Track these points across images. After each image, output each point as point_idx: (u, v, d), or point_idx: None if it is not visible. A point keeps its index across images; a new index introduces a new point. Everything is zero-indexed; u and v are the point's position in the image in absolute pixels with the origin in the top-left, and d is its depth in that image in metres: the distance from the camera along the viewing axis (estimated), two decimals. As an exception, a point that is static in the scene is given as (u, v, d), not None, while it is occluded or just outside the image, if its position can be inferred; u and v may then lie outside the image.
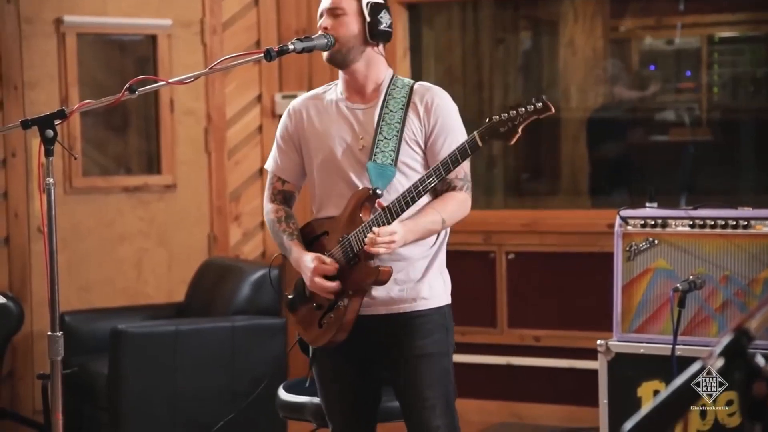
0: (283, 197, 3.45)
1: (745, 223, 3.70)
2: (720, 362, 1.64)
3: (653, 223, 3.83)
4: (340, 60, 3.26)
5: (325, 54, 3.26)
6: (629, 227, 3.87)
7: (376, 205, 3.17)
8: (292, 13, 6.02)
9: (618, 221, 3.88)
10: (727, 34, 6.65)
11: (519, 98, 6.59)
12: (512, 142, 3.06)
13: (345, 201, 3.25)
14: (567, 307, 5.53)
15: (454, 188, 3.25)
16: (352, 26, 3.23)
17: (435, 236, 3.29)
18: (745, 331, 1.64)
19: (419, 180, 3.12)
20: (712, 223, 3.74)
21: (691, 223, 3.77)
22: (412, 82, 3.33)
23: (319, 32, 3.25)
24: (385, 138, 3.22)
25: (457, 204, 3.25)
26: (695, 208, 3.82)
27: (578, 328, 5.41)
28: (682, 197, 5.85)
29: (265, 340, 5.20)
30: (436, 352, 3.27)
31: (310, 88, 6.01)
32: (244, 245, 6.05)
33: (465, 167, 3.24)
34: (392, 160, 3.20)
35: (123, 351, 4.91)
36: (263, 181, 6.05)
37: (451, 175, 3.19)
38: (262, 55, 3.10)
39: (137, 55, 6.11)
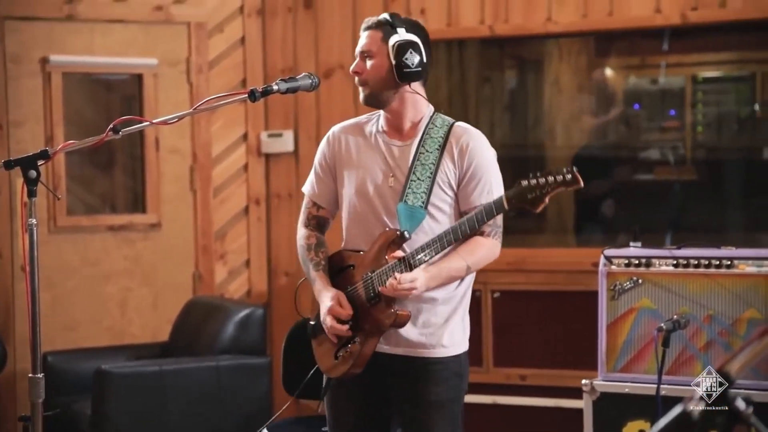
0: (317, 223, 3.45)
1: (729, 262, 3.71)
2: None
3: (637, 262, 3.84)
4: (373, 102, 3.30)
5: (360, 97, 3.30)
6: (613, 266, 3.88)
7: (396, 253, 3.17)
8: (278, 52, 6.05)
9: (602, 260, 3.89)
10: (711, 73, 6.69)
11: (505, 136, 6.61)
12: (537, 210, 3.06)
13: (373, 236, 3.26)
14: (553, 345, 5.52)
15: (482, 233, 3.24)
16: (379, 69, 3.25)
17: (459, 280, 3.29)
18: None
19: (444, 233, 3.14)
20: (696, 262, 3.75)
21: (674, 262, 3.78)
22: (451, 121, 3.32)
23: (306, 72, 3.28)
24: (419, 179, 3.22)
25: (484, 250, 3.26)
26: (679, 248, 3.83)
27: (564, 367, 5.40)
28: (668, 236, 5.86)
29: (251, 380, 5.18)
30: (448, 399, 3.30)
31: (295, 127, 6.05)
32: (229, 284, 6.04)
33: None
34: (423, 203, 3.21)
35: (107, 391, 4.88)
36: (249, 219, 6.05)
37: None
38: (247, 95, 3.11)
39: (123, 93, 6.12)
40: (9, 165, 2.92)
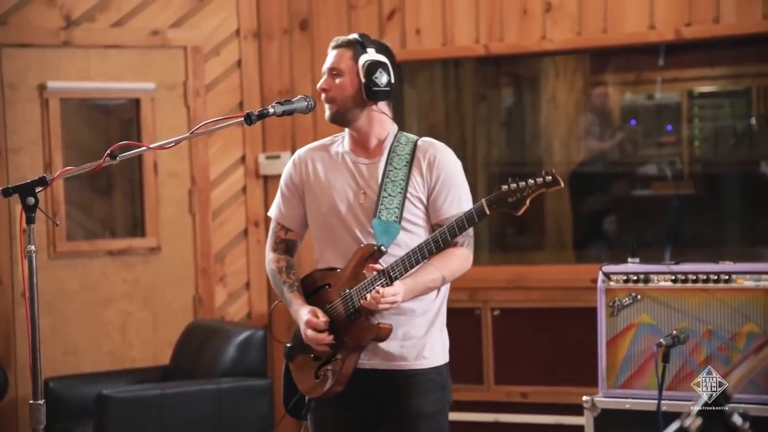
0: (286, 246, 3.46)
1: (727, 277, 3.71)
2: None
3: (635, 278, 3.84)
4: (339, 120, 3.34)
5: (326, 114, 3.34)
6: (612, 283, 3.88)
7: (374, 266, 3.18)
8: (275, 75, 6.07)
9: (601, 277, 3.89)
10: (706, 88, 6.71)
11: (502, 153, 6.63)
12: (519, 213, 3.07)
13: (347, 254, 3.27)
14: (553, 362, 5.52)
15: (455, 244, 3.26)
16: (347, 87, 3.29)
17: (436, 291, 3.32)
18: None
19: (424, 243, 3.15)
20: (694, 277, 3.75)
21: (673, 278, 3.79)
22: (416, 138, 3.36)
23: (302, 94, 3.30)
24: (390, 195, 3.26)
25: (458, 261, 3.28)
26: (677, 263, 3.83)
27: (565, 384, 5.40)
28: (667, 251, 5.87)
29: (252, 402, 5.18)
30: (433, 411, 3.31)
31: (293, 149, 6.06)
32: (229, 306, 6.04)
33: None
34: (397, 217, 3.24)
35: (108, 416, 4.88)
36: (248, 241, 6.06)
37: None
38: (243, 119, 3.12)
39: (121, 118, 6.14)
40: (7, 192, 2.92)
